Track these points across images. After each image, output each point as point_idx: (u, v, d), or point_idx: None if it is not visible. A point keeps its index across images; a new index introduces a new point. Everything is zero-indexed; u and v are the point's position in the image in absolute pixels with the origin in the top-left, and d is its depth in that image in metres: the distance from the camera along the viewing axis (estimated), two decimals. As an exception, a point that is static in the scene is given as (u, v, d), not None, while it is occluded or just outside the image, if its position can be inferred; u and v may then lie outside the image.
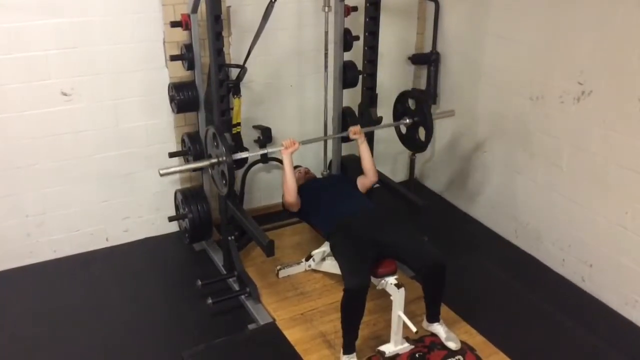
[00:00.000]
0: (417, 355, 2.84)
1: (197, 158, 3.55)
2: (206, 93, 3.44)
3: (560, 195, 3.51)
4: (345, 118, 3.79)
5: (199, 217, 3.62)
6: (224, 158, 2.92)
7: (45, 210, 3.60)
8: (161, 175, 2.94)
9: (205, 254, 3.80)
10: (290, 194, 3.18)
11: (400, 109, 3.55)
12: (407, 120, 3.50)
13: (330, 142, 3.94)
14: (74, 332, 3.12)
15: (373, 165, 3.37)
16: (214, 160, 3.03)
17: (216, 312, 3.20)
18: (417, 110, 3.46)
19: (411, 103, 3.51)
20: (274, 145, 3.47)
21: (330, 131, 3.88)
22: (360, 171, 3.41)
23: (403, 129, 3.60)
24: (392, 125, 3.60)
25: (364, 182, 3.40)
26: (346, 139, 3.63)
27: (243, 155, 3.19)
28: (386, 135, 4.17)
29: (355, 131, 3.31)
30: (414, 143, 3.58)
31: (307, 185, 3.42)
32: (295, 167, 3.55)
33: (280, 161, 4.01)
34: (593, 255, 3.37)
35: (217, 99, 3.04)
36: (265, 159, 3.96)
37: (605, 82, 3.10)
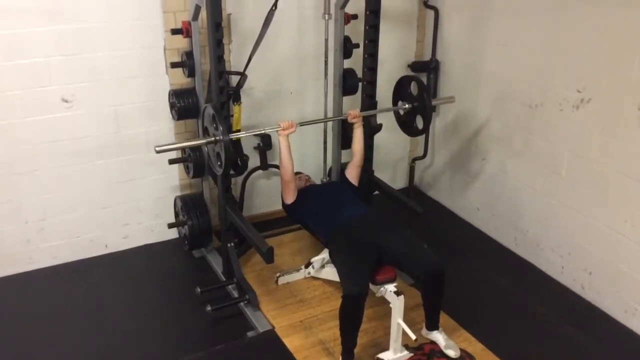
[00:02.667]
0: (416, 362, 2.84)
1: (197, 165, 3.55)
2: (206, 100, 3.45)
3: (559, 203, 3.51)
4: (345, 125, 3.79)
5: (198, 224, 3.63)
6: (221, 137, 2.88)
7: (45, 216, 3.60)
8: (157, 152, 2.89)
9: (204, 261, 3.80)
10: (287, 172, 3.18)
11: (400, 93, 3.52)
12: (406, 106, 3.47)
13: (329, 150, 3.94)
14: (73, 338, 3.12)
15: (362, 149, 3.42)
16: (210, 139, 2.98)
17: (215, 319, 3.20)
18: (418, 96, 3.43)
19: (413, 88, 3.48)
20: (277, 155, 3.45)
21: (329, 138, 3.89)
22: (361, 182, 3.43)
23: (401, 113, 3.56)
24: (390, 110, 3.57)
25: (351, 171, 3.44)
26: (350, 127, 3.63)
27: (240, 134, 3.19)
28: (386, 142, 4.19)
29: (353, 114, 3.34)
30: (411, 129, 3.56)
31: (307, 191, 3.42)
32: (296, 174, 3.56)
33: (279, 167, 4.03)
34: (593, 263, 3.37)
35: (218, 106, 3.05)
36: (265, 165, 3.97)
37: (605, 90, 3.11)
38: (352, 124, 3.40)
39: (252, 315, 3.22)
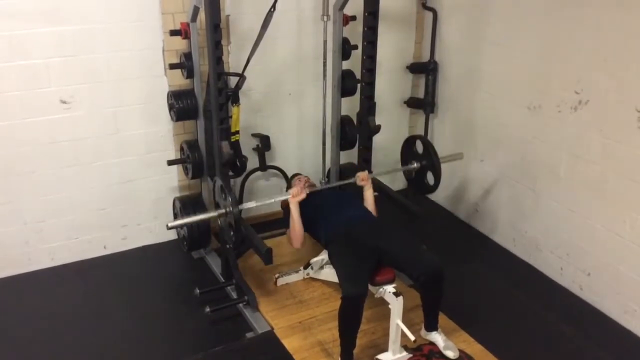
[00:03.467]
0: (415, 363, 2.84)
1: (195, 166, 3.55)
2: (205, 101, 3.45)
3: (558, 204, 3.51)
4: (344, 127, 3.80)
5: (197, 225, 3.62)
6: (231, 209, 2.92)
7: (44, 217, 3.60)
8: (168, 228, 2.96)
9: (203, 262, 3.80)
10: (297, 240, 3.20)
11: (407, 153, 3.57)
12: (415, 165, 3.51)
13: (328, 151, 3.94)
14: (72, 340, 3.11)
15: (374, 209, 3.36)
16: (221, 211, 3.03)
17: (214, 320, 3.20)
18: (425, 154, 3.48)
19: (418, 145, 3.52)
20: (277, 158, 3.43)
21: (328, 139, 3.89)
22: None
23: (412, 173, 3.60)
24: (400, 170, 3.61)
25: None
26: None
27: (249, 205, 3.16)
28: (385, 143, 4.19)
29: (362, 177, 3.33)
30: (422, 187, 3.58)
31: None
32: (295, 175, 3.56)
33: (278, 168, 4.04)
34: (591, 264, 3.37)
35: (216, 107, 3.05)
36: (263, 166, 3.97)
37: (603, 91, 3.11)
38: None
39: (251, 316, 3.22)
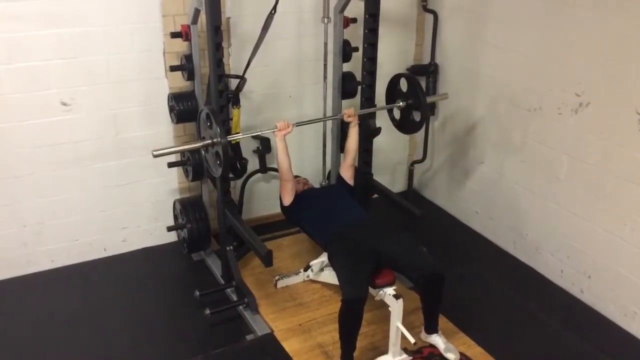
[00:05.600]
0: (415, 366, 2.84)
1: (195, 168, 3.55)
2: (206, 103, 3.45)
3: (558, 207, 3.51)
4: (344, 128, 3.79)
5: (197, 227, 3.62)
6: (219, 139, 2.86)
7: (44, 219, 3.59)
8: (154, 156, 2.87)
9: (203, 264, 3.79)
10: (285, 172, 3.18)
11: (392, 93, 3.51)
12: (401, 103, 3.44)
13: (328, 153, 3.94)
14: (72, 342, 3.11)
15: (356, 147, 3.40)
16: (207, 142, 2.94)
17: (214, 322, 3.19)
18: (410, 92, 3.41)
19: (402, 84, 3.46)
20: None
21: (329, 141, 3.89)
22: (357, 181, 3.42)
23: (397, 113, 3.54)
24: (385, 108, 3.55)
25: (345, 170, 3.42)
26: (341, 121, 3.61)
27: (237, 137, 3.18)
28: (385, 145, 4.19)
29: (349, 113, 3.32)
30: (409, 125, 3.52)
31: (305, 194, 3.42)
32: (295, 177, 3.55)
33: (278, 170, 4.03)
34: (592, 267, 3.37)
35: (217, 109, 3.05)
36: (264, 168, 3.97)
37: (603, 94, 3.11)
38: (348, 124, 3.40)
39: (251, 318, 3.22)
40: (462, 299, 3.34)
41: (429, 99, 3.34)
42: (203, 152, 3.04)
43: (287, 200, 3.28)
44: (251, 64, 3.35)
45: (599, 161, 3.20)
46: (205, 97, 3.46)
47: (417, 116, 3.41)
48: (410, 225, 3.54)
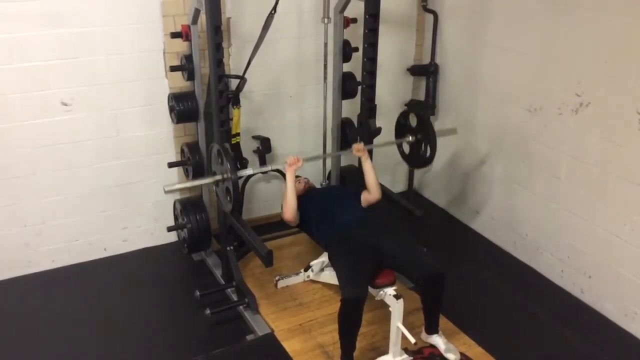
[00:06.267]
0: (415, 366, 2.84)
1: (196, 168, 3.55)
2: (206, 103, 3.46)
3: (559, 207, 3.51)
4: (345, 129, 3.80)
5: (197, 227, 3.62)
6: (229, 175, 2.91)
7: (44, 219, 3.60)
8: (165, 192, 2.96)
9: (203, 264, 3.79)
10: (290, 211, 3.17)
11: (402, 126, 3.56)
12: (410, 138, 3.50)
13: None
14: (72, 342, 3.11)
15: (377, 182, 3.28)
16: (218, 177, 3.02)
17: (214, 322, 3.19)
18: (420, 127, 3.46)
19: (412, 119, 3.51)
20: (278, 161, 3.46)
21: (329, 141, 3.89)
22: (359, 182, 3.41)
23: (406, 147, 3.59)
24: (394, 143, 3.60)
25: (367, 199, 3.31)
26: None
27: (247, 172, 3.19)
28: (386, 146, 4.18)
29: (358, 148, 3.27)
30: (418, 159, 3.57)
31: (307, 195, 3.42)
32: (296, 178, 3.55)
33: (279, 171, 4.03)
34: (592, 267, 3.37)
35: (217, 110, 3.05)
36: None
37: (604, 94, 3.11)
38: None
39: (251, 318, 3.22)
40: (462, 299, 3.34)
41: (438, 134, 3.39)
42: (214, 187, 3.09)
43: (293, 225, 3.31)
44: (251, 64, 3.35)
45: (599, 161, 3.20)
46: (205, 98, 3.46)
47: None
48: (410, 226, 3.54)
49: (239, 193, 2.93)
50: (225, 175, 2.95)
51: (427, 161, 3.50)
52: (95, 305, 3.40)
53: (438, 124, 4.43)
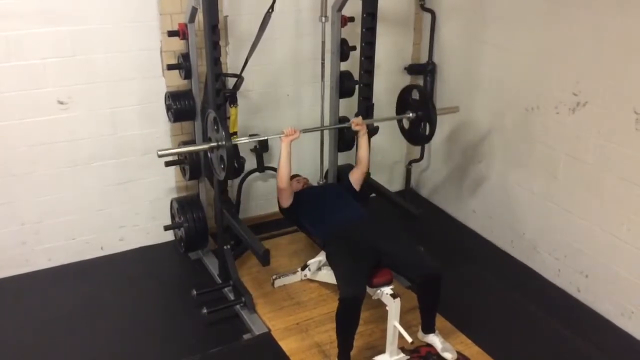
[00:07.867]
0: (412, 365, 2.84)
1: (193, 167, 3.55)
2: (203, 102, 3.45)
3: (556, 206, 3.51)
4: (343, 129, 3.78)
5: (194, 226, 3.62)
6: (224, 142, 2.88)
7: (41, 218, 3.59)
8: (159, 156, 2.92)
9: (200, 263, 3.79)
10: (283, 179, 3.18)
11: (403, 102, 3.52)
12: (411, 115, 3.47)
13: (326, 152, 3.94)
14: (69, 341, 3.11)
15: (367, 157, 3.41)
16: (213, 144, 2.98)
17: (211, 321, 3.19)
18: (421, 104, 3.43)
19: (414, 94, 3.48)
20: (276, 161, 3.44)
21: (326, 141, 3.89)
22: (363, 188, 3.42)
23: (406, 123, 3.56)
24: (395, 119, 3.58)
25: (356, 175, 3.41)
26: (347, 131, 3.63)
27: (242, 140, 3.21)
28: (383, 144, 4.19)
29: (357, 122, 3.33)
30: (417, 136, 3.55)
31: (304, 193, 3.42)
32: (294, 177, 3.56)
33: (275, 169, 4.02)
34: (589, 266, 3.37)
35: (214, 108, 3.04)
36: (261, 168, 3.96)
37: (601, 93, 3.11)
38: (355, 132, 3.40)
39: (248, 317, 3.21)
40: (459, 298, 3.34)
41: (439, 112, 3.36)
42: (208, 154, 3.06)
43: (286, 203, 3.29)
44: (249, 63, 3.35)
45: (597, 160, 3.20)
46: (202, 96, 3.45)
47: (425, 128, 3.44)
48: (407, 225, 3.54)
49: (233, 160, 2.91)
50: (220, 143, 2.93)
51: (426, 138, 3.48)
52: (92, 304, 3.40)
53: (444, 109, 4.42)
